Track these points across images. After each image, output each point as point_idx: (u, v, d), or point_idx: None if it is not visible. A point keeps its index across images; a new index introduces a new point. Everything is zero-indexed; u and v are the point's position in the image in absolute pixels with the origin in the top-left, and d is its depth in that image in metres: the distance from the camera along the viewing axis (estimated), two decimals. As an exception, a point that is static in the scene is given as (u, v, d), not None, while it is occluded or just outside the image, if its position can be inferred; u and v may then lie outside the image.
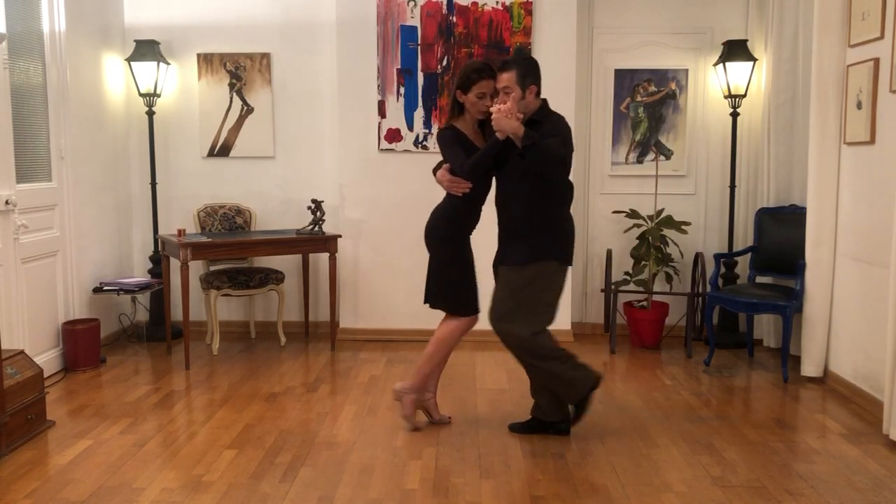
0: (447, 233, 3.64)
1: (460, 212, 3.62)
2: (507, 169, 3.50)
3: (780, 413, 4.04)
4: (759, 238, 5.13)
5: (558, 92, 5.40)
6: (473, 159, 3.44)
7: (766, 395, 4.35)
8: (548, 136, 3.34)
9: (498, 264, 3.65)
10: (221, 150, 5.76)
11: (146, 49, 5.43)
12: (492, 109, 3.34)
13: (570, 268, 3.64)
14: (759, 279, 5.17)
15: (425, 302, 3.73)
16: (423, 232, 3.70)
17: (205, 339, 5.51)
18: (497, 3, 5.35)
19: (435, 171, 3.69)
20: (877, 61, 3.95)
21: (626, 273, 5.42)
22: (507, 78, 3.41)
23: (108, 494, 3.06)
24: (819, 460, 3.40)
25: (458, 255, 3.63)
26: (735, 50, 5.25)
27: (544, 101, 3.57)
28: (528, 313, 3.50)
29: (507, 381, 4.56)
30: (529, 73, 3.44)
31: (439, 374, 3.85)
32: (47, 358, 4.59)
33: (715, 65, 5.42)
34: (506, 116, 3.27)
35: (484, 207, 3.68)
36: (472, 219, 3.66)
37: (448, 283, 3.65)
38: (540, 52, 5.38)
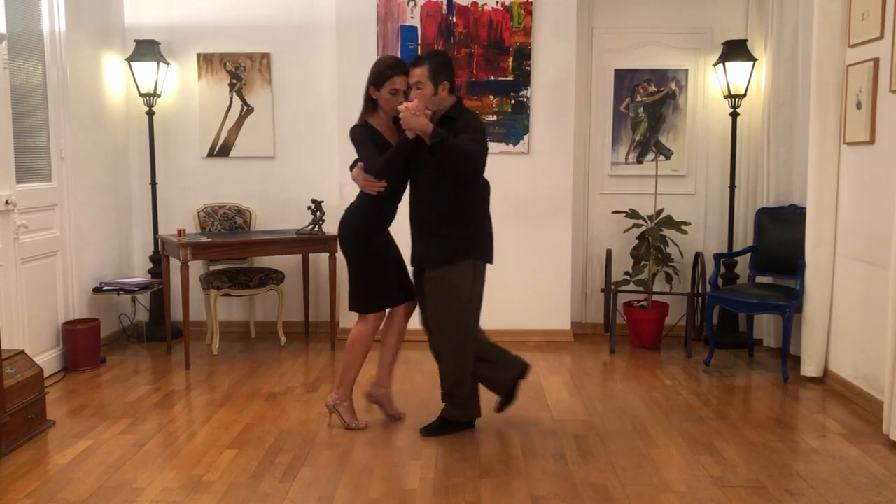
0: (359, 231, 3.62)
1: (373, 210, 3.60)
2: (421, 167, 3.47)
3: (780, 413, 4.04)
4: (759, 238, 5.13)
5: (558, 92, 5.42)
6: (384, 158, 3.42)
7: (766, 395, 4.35)
8: (461, 133, 3.34)
9: (418, 265, 3.62)
10: (221, 150, 5.76)
11: (146, 49, 5.43)
12: (399, 108, 3.32)
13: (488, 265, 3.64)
14: (759, 279, 5.17)
15: (350, 307, 3.76)
16: (337, 237, 3.73)
17: (205, 339, 5.51)
18: (497, 3, 5.35)
19: (351, 168, 3.68)
20: (877, 61, 3.95)
21: (626, 273, 5.42)
22: (418, 73, 3.39)
23: (108, 494, 3.06)
24: (819, 460, 3.40)
25: (370, 254, 3.61)
26: (735, 50, 5.25)
27: (459, 98, 3.56)
28: (465, 324, 3.54)
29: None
30: (442, 69, 3.41)
31: (391, 370, 3.88)
32: (47, 358, 4.59)
33: (715, 65, 5.42)
34: (414, 114, 3.26)
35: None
36: (387, 217, 3.64)
37: (359, 284, 3.65)
38: (540, 52, 5.39)
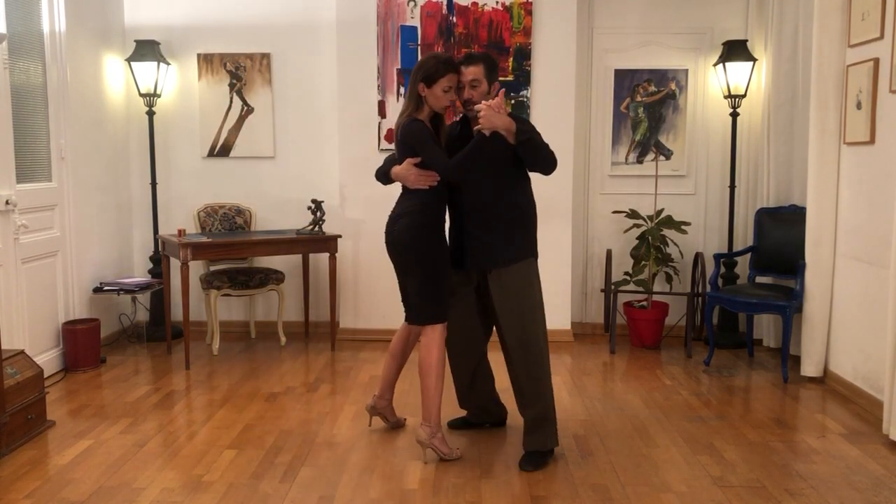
0: (425, 234, 3.36)
1: (434, 210, 3.39)
2: (481, 165, 3.32)
3: (780, 413, 4.04)
4: (759, 238, 5.13)
5: (558, 92, 5.42)
6: (463, 156, 3.23)
7: (766, 395, 4.35)
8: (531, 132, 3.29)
9: (478, 267, 3.44)
10: (221, 150, 5.76)
11: (146, 49, 5.44)
12: (479, 106, 3.19)
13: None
14: (759, 279, 5.17)
15: (416, 322, 3.45)
16: (394, 243, 3.42)
17: (205, 339, 5.52)
18: (497, 3, 5.35)
19: (383, 169, 3.54)
20: (877, 61, 3.95)
21: (626, 273, 5.42)
22: (474, 71, 3.33)
23: (108, 494, 3.07)
24: (819, 460, 3.40)
25: (437, 257, 3.37)
26: (735, 50, 5.25)
27: None
28: (540, 320, 3.43)
29: (508, 381, 4.54)
30: (495, 68, 3.41)
31: (396, 380, 3.76)
32: (47, 358, 4.59)
33: (715, 65, 5.42)
34: (496, 112, 3.17)
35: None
36: (443, 217, 3.45)
37: (429, 291, 3.38)
38: (540, 52, 5.39)
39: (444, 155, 3.27)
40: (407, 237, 3.36)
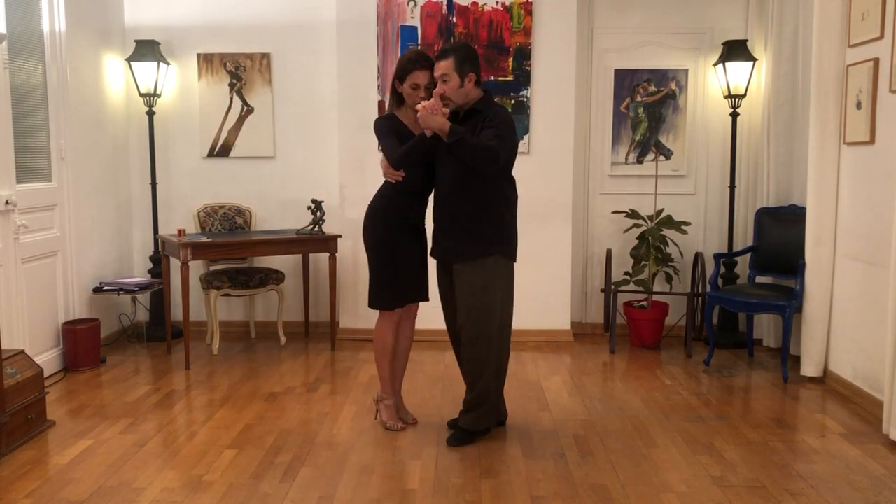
0: (376, 223, 3.59)
1: (393, 203, 3.58)
2: (445, 163, 3.43)
3: (780, 413, 4.04)
4: (759, 238, 5.13)
5: (558, 92, 5.42)
6: (402, 149, 3.41)
7: (765, 395, 4.35)
8: (486, 128, 3.32)
9: (441, 258, 3.57)
10: (221, 150, 5.76)
11: (146, 49, 5.43)
12: (417, 107, 3.31)
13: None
14: (759, 279, 5.17)
15: (369, 304, 3.68)
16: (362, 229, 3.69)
17: (205, 339, 5.52)
18: (497, 3, 5.35)
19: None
20: (877, 61, 3.95)
21: (626, 273, 5.42)
22: (444, 66, 3.36)
23: (108, 494, 3.06)
24: (819, 460, 3.40)
25: (386, 247, 3.57)
26: (735, 50, 5.25)
27: (487, 91, 3.53)
28: (495, 319, 3.49)
29: (507, 381, 4.54)
30: (467, 60, 3.38)
31: (402, 377, 3.88)
32: (47, 358, 4.59)
33: (715, 65, 5.42)
34: (431, 113, 3.25)
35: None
36: (408, 212, 3.59)
37: (375, 278, 3.62)
38: (540, 52, 5.39)
39: (395, 147, 3.44)
40: (366, 223, 3.64)
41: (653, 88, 5.61)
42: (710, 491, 3.09)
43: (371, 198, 3.70)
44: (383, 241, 3.59)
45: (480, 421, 3.60)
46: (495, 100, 3.69)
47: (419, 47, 5.36)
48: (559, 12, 5.36)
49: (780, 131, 5.12)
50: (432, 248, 3.62)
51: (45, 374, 4.13)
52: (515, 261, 3.60)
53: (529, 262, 5.50)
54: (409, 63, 3.46)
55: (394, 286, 3.61)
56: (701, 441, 3.62)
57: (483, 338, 3.47)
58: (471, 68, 3.38)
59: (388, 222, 3.58)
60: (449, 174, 3.45)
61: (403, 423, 3.77)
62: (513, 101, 5.40)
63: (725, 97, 5.39)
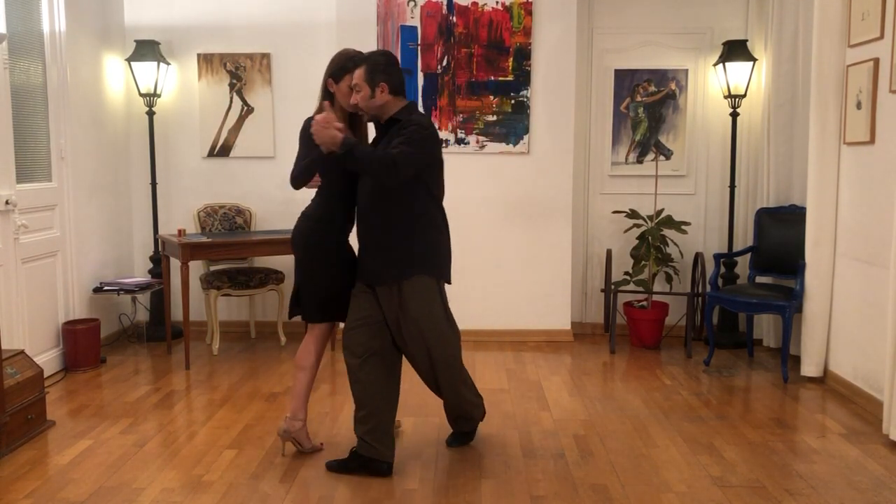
0: (309, 236, 3.40)
1: (326, 216, 3.37)
2: (364, 178, 3.23)
3: (780, 413, 4.04)
4: (759, 238, 5.13)
5: (558, 92, 5.42)
6: (298, 168, 3.24)
7: (765, 395, 4.35)
8: (397, 137, 3.12)
9: (366, 281, 3.29)
10: (221, 150, 5.76)
11: (146, 49, 5.44)
12: (314, 120, 3.10)
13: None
14: (759, 279, 5.17)
15: (300, 315, 3.42)
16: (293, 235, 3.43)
17: (205, 339, 5.52)
18: (497, 3, 5.35)
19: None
20: (877, 61, 3.95)
21: (626, 273, 5.42)
22: (357, 75, 3.19)
23: (108, 494, 3.07)
24: (819, 460, 3.40)
25: (319, 261, 3.35)
26: (735, 50, 5.25)
27: (412, 102, 3.33)
28: (448, 339, 3.29)
29: (507, 381, 4.56)
30: (379, 69, 3.17)
31: (308, 398, 3.49)
32: (47, 358, 4.59)
33: (715, 65, 5.42)
34: (324, 127, 3.05)
35: None
36: (342, 225, 3.37)
37: (306, 291, 3.38)
38: (540, 52, 5.39)
39: (300, 161, 3.30)
40: (294, 234, 3.46)
41: (653, 88, 5.61)
42: (710, 491, 3.09)
43: None
44: (320, 255, 3.40)
45: (473, 420, 3.59)
46: (418, 109, 3.45)
47: (419, 46, 5.36)
48: (559, 12, 5.37)
49: (780, 131, 5.12)
50: (359, 271, 3.35)
51: (45, 375, 4.13)
52: (448, 281, 3.34)
53: (529, 262, 5.52)
54: (351, 61, 3.24)
55: (331, 303, 3.39)
56: (701, 441, 3.62)
57: (446, 361, 3.29)
58: (383, 78, 3.17)
59: (325, 235, 3.40)
60: (367, 190, 3.26)
61: (322, 443, 3.54)
62: (513, 102, 5.40)
63: (725, 97, 5.39)
